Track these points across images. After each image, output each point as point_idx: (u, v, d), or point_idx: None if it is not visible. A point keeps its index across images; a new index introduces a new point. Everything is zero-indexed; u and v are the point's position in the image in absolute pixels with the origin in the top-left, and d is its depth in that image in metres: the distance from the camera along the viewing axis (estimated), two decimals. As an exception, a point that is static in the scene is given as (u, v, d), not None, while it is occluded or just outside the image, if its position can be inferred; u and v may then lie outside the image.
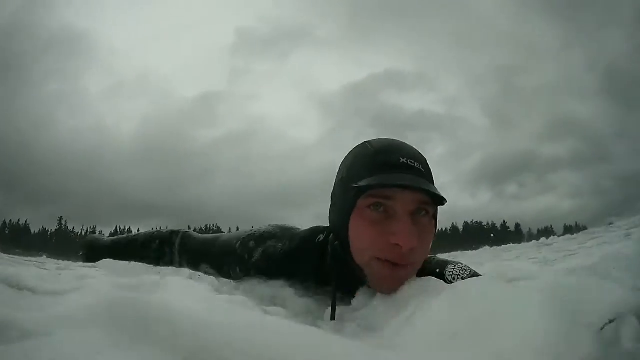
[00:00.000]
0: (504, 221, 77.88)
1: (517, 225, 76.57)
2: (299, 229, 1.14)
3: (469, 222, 78.22)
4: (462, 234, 73.22)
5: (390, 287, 0.83)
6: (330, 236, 0.96)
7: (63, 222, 73.71)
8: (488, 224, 77.75)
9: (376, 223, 0.83)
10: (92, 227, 72.74)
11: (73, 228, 74.10)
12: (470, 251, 8.37)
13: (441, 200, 0.85)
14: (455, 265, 0.97)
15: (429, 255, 0.97)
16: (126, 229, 71.43)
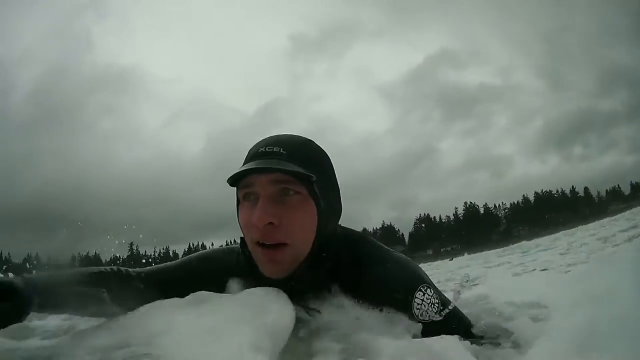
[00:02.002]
0: (573, 187, 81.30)
1: (586, 189, 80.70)
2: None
3: (539, 192, 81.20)
4: (534, 205, 76.93)
5: (269, 270, 0.86)
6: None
7: (134, 248, 79.45)
8: (558, 191, 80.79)
9: (247, 210, 0.86)
10: (164, 247, 72.62)
11: (145, 252, 72.95)
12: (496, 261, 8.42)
13: (304, 177, 0.83)
14: (424, 293, 0.89)
15: (391, 251, 0.98)
16: (200, 244, 71.13)
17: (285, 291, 0.84)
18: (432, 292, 0.90)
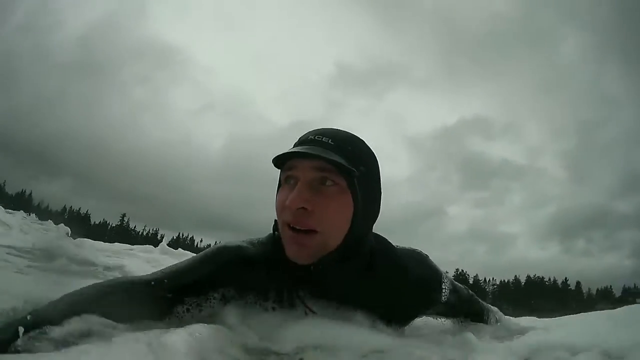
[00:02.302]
0: (565, 278, 79.34)
1: (578, 284, 77.97)
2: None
3: (531, 276, 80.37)
4: (524, 288, 76.03)
5: (295, 254, 0.86)
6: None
7: (126, 219, 72.53)
8: (550, 279, 79.44)
9: (285, 192, 0.87)
10: (154, 229, 73.99)
11: (135, 226, 74.01)
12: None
13: (345, 170, 0.84)
14: (446, 281, 1.08)
15: (413, 249, 1.08)
16: (189, 237, 72.79)
17: (304, 277, 0.87)
18: (447, 279, 1.10)
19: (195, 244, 77.11)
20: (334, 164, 0.84)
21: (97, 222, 76.11)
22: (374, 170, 0.94)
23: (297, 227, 0.85)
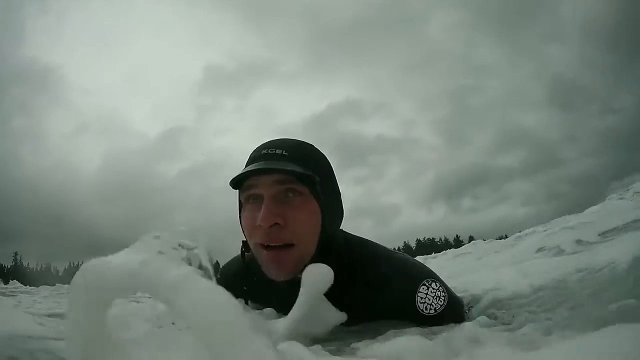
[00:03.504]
0: (457, 235, 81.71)
1: (471, 238, 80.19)
2: None
3: (421, 239, 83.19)
4: (415, 251, 72.09)
5: (275, 272, 0.86)
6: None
7: (18, 258, 73.74)
8: (441, 239, 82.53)
9: (251, 212, 0.87)
10: (46, 263, 76.76)
11: (28, 264, 75.33)
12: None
13: (306, 178, 0.84)
14: (428, 287, 0.89)
15: (392, 251, 1.00)
16: (80, 263, 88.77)
17: (289, 294, 0.81)
18: (438, 285, 0.89)
19: None
20: (295, 174, 0.84)
21: (-9, 266, 74.05)
22: (330, 172, 0.95)
23: (273, 245, 0.84)
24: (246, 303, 1.04)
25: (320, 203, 0.88)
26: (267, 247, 0.85)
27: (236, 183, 0.89)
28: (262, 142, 0.94)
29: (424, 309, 0.88)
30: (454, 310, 0.91)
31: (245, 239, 0.93)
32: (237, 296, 0.82)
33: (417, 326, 0.86)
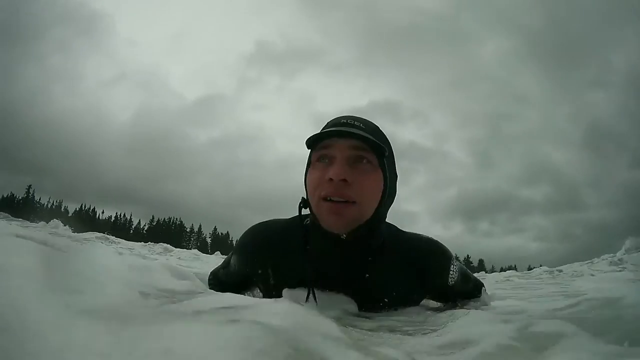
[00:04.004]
0: (467, 255, 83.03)
1: (481, 261, 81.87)
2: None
3: None
4: None
5: (334, 223, 0.94)
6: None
7: (31, 192, 74.35)
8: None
9: (320, 169, 0.96)
10: (58, 201, 76.25)
11: (40, 199, 75.73)
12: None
13: (378, 149, 0.95)
14: (455, 265, 1.14)
15: (420, 234, 1.15)
16: (91, 208, 75.57)
17: (338, 247, 0.97)
18: (456, 263, 1.15)
19: (97, 215, 78.47)
20: (369, 143, 0.94)
21: (4, 196, 76.41)
22: (393, 156, 1.05)
23: (336, 199, 0.93)
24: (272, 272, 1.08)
25: (385, 176, 0.99)
26: (329, 201, 0.94)
27: (311, 143, 0.98)
28: (338, 116, 1.05)
29: (451, 283, 1.13)
30: (466, 280, 1.21)
31: (305, 198, 1.02)
32: (282, 255, 1.06)
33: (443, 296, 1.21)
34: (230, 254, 1.23)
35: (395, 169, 1.06)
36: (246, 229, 1.16)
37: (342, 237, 0.96)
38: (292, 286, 1.02)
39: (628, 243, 7.65)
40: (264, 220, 1.17)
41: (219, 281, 1.25)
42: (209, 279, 1.31)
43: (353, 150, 0.95)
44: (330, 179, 0.92)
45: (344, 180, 0.92)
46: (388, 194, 1.00)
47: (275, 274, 1.08)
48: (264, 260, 1.09)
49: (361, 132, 0.95)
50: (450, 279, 1.12)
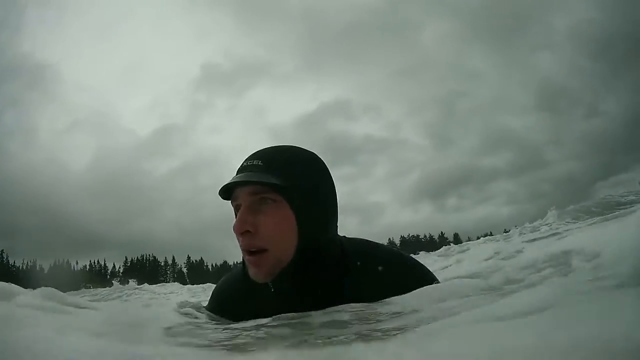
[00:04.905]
0: (442, 232, 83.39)
1: (456, 235, 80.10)
2: None
3: (405, 236, 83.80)
4: (399, 247, 66.65)
5: (255, 274, 0.92)
6: None
7: (4, 256, 71.72)
8: (425, 236, 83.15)
9: (235, 221, 0.93)
10: (32, 260, 73.93)
11: (14, 262, 73.38)
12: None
13: (274, 186, 0.89)
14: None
15: (399, 253, 1.07)
16: (65, 261, 73.29)
17: (271, 294, 0.93)
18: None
19: (72, 266, 75.72)
20: (263, 184, 0.89)
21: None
22: (313, 177, 0.96)
23: (249, 250, 0.91)
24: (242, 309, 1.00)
25: (295, 209, 0.91)
26: (247, 252, 0.91)
27: (223, 196, 0.96)
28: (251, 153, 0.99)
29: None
30: None
31: None
32: (237, 298, 1.01)
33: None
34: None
35: (318, 191, 0.96)
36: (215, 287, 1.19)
37: (270, 286, 0.93)
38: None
39: (550, 215, 8.21)
40: (224, 279, 1.17)
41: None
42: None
43: (253, 195, 0.91)
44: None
45: (248, 231, 0.90)
46: (308, 224, 0.92)
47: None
48: (232, 318, 1.06)
49: (253, 177, 0.91)
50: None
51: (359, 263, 0.98)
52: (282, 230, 0.91)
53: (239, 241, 0.93)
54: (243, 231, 0.90)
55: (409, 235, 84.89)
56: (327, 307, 0.89)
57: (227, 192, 0.95)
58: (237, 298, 1.04)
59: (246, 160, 0.97)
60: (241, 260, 0.98)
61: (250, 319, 0.90)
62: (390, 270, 0.98)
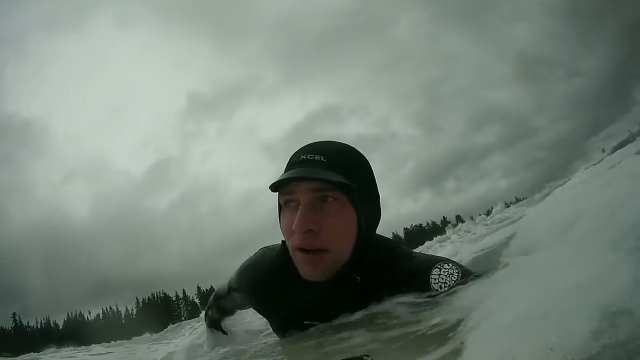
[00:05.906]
0: (444, 217, 79.75)
1: (458, 217, 75.22)
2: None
3: (408, 227, 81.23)
4: (405, 240, 70.58)
5: (309, 273, 0.89)
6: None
7: (17, 319, 71.04)
8: (428, 223, 79.91)
9: (289, 216, 0.90)
10: (45, 318, 72.18)
11: (27, 323, 72.36)
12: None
13: (341, 186, 0.86)
14: (441, 268, 0.90)
15: (408, 249, 1.03)
16: (77, 313, 72.08)
17: (323, 294, 0.92)
18: (451, 265, 0.90)
19: (85, 317, 72.88)
20: (331, 183, 0.85)
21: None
22: (369, 177, 0.96)
23: (308, 248, 0.87)
24: (275, 301, 1.04)
25: (357, 210, 0.89)
26: (303, 250, 0.88)
27: (276, 187, 0.91)
28: (303, 145, 0.96)
29: (439, 288, 0.87)
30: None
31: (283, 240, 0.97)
32: (268, 295, 1.03)
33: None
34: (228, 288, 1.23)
35: (373, 192, 0.97)
36: (238, 269, 1.17)
37: (319, 284, 0.91)
38: (288, 325, 1.04)
39: (495, 211, 8.27)
40: (252, 258, 1.14)
41: (221, 309, 1.35)
42: (207, 308, 1.40)
43: (315, 192, 0.87)
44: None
45: (311, 229, 0.86)
46: (366, 226, 0.92)
47: (271, 316, 1.12)
48: (257, 304, 1.13)
49: (319, 174, 0.87)
50: (435, 285, 0.89)
51: (388, 261, 0.97)
52: (345, 231, 0.89)
53: (290, 239, 0.91)
54: (307, 230, 0.86)
55: (412, 226, 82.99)
56: (365, 305, 0.91)
57: (278, 185, 0.91)
58: (277, 288, 1.02)
59: (302, 153, 0.93)
60: (263, 251, 1.09)
61: (288, 311, 1.01)
62: (407, 266, 0.95)
